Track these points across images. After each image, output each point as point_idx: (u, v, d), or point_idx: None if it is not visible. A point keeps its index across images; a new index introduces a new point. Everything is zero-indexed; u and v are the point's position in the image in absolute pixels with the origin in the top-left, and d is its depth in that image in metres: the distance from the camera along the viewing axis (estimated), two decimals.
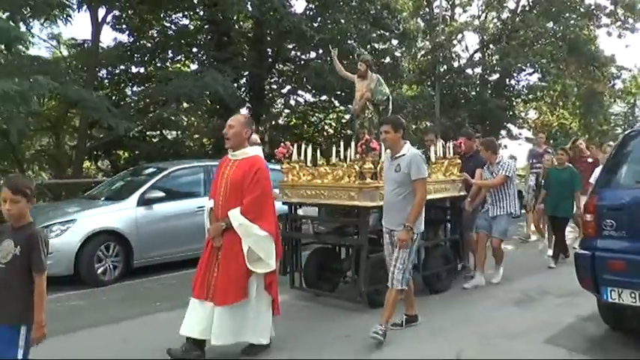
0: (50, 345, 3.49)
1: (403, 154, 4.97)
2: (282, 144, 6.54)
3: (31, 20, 12.24)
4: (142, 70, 16.95)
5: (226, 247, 4.29)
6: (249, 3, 14.39)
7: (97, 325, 5.50)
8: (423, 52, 23.27)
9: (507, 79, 22.71)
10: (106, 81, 16.52)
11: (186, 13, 17.13)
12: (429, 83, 23.06)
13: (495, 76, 22.66)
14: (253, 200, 4.29)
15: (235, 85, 15.16)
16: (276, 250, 4.42)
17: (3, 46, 10.64)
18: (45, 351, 3.39)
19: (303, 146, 6.45)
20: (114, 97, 15.69)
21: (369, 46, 16.56)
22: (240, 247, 4.25)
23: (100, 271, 7.40)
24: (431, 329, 5.15)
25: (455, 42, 23.87)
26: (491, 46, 23.19)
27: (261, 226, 4.27)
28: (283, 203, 6.40)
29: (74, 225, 7.34)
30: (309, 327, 5.30)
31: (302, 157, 6.39)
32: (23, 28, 11.15)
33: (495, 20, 24.32)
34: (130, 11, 16.02)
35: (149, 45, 16.75)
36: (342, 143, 6.48)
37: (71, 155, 15.11)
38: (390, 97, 6.99)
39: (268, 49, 17.27)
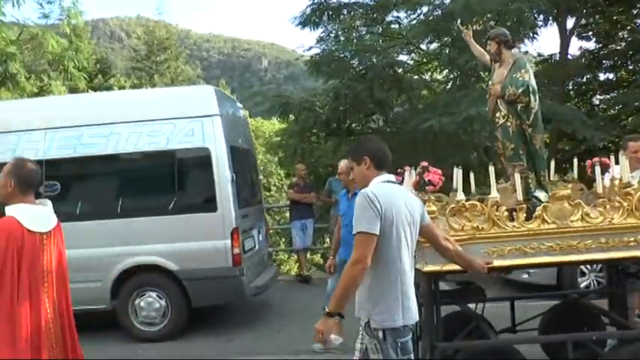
0: None
1: None
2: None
3: None
4: (610, 76, 16.06)
5: None
6: None
7: None
8: None
9: None
10: (572, 92, 16.23)
11: None
12: None
13: None
14: None
15: None
16: None
17: None
18: None
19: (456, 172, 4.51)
20: (581, 108, 15.26)
21: None
22: None
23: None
24: None
25: None
26: None
27: None
28: None
29: None
30: None
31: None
32: None
33: None
34: (597, 16, 15.40)
35: (618, 48, 15.69)
36: None
37: None
38: (531, 87, 4.42)
39: None
